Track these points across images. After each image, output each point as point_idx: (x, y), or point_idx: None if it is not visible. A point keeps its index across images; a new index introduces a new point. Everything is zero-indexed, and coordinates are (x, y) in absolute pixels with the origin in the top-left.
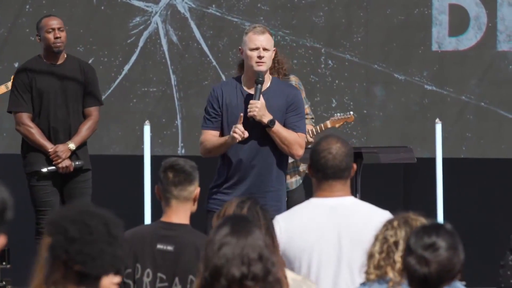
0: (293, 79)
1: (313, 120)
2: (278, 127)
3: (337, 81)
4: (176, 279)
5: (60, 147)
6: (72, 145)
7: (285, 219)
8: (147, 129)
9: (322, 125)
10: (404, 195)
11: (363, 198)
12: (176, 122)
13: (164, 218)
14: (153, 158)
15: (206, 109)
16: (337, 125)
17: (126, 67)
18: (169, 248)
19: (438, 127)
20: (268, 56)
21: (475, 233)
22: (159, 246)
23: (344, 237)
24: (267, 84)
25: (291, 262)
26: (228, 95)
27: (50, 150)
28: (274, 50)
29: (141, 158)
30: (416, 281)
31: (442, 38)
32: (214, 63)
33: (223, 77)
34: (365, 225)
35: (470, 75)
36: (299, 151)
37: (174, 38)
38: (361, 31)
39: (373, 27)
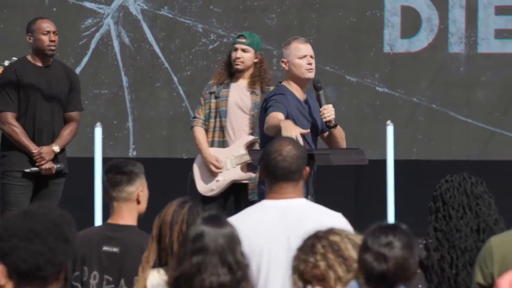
0: None
1: None
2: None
3: None
4: (122, 281)
5: (45, 149)
6: (56, 148)
7: (236, 221)
8: (98, 131)
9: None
10: (355, 196)
11: (315, 200)
12: (128, 124)
13: (110, 220)
14: (104, 160)
15: (278, 99)
16: None
17: (78, 69)
18: (115, 250)
19: (390, 129)
20: (314, 64)
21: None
22: (105, 248)
23: (294, 239)
24: (306, 93)
25: None
26: (292, 102)
27: (34, 151)
28: (259, 58)
29: (92, 160)
30: (373, 279)
31: (394, 40)
32: (166, 64)
33: (175, 79)
34: (316, 227)
35: (421, 77)
36: (345, 144)
37: (126, 40)
38: (313, 33)
39: (325, 29)
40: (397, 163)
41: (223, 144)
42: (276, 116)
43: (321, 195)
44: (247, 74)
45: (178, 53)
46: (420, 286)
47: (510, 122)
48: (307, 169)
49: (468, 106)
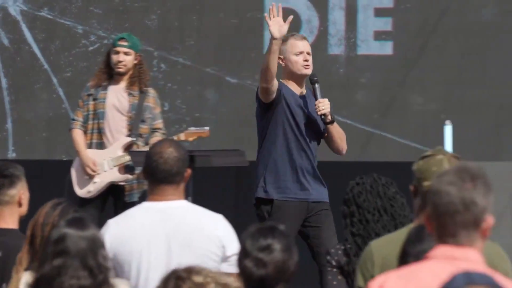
0: (152, 92)
1: (165, 135)
2: (335, 123)
3: (169, 85)
4: (4, 285)
5: None
6: None
7: (116, 223)
8: None
9: (175, 137)
10: (236, 198)
11: (195, 201)
12: (7, 125)
13: None
14: None
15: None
16: (190, 139)
17: None
18: None
19: None
20: (311, 61)
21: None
22: None
23: (174, 241)
24: (305, 88)
25: (121, 265)
26: (287, 92)
27: None
28: (138, 59)
29: None
30: (252, 284)
31: None
32: (46, 66)
33: (55, 81)
34: (196, 229)
35: None
36: (346, 146)
37: (6, 41)
38: (194, 34)
39: (205, 30)
40: None
41: (101, 146)
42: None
43: (201, 196)
44: (126, 75)
45: (58, 55)
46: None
47: (389, 123)
48: (189, 171)
49: (348, 107)
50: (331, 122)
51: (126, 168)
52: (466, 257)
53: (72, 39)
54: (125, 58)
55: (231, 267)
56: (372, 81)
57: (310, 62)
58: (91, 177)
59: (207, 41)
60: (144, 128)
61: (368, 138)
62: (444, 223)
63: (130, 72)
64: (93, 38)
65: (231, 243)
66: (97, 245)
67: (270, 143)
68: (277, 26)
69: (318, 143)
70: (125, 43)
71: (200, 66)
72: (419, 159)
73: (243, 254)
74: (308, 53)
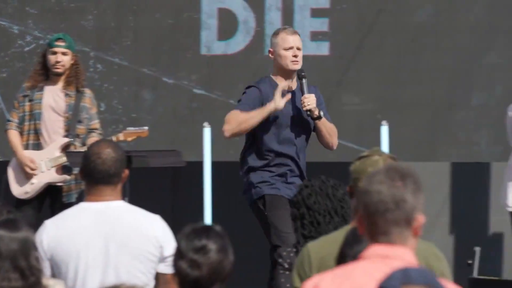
0: (88, 92)
1: (102, 135)
2: (324, 118)
3: (106, 85)
4: None
5: None
6: None
7: (53, 223)
8: None
9: (114, 137)
10: (172, 198)
11: (132, 202)
12: None
13: None
14: None
15: (247, 98)
16: (129, 139)
17: None
18: None
19: (207, 131)
20: (301, 56)
21: (243, 235)
22: None
23: (112, 241)
24: (295, 83)
25: (58, 266)
26: (267, 95)
27: None
28: (74, 59)
29: None
30: (187, 285)
31: (211, 42)
32: None
33: None
34: (133, 230)
35: (238, 79)
36: (337, 141)
37: None
38: (130, 34)
39: (142, 31)
40: (214, 164)
41: (38, 146)
42: (242, 114)
43: (138, 197)
44: (63, 76)
45: None
46: None
47: None
48: (126, 171)
49: None
50: (318, 117)
51: (64, 169)
52: (399, 256)
53: (8, 40)
54: (63, 59)
55: (168, 268)
56: (309, 81)
57: (300, 58)
58: (28, 177)
59: (144, 41)
60: (81, 128)
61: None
62: (376, 221)
63: (67, 73)
64: (29, 38)
65: (168, 244)
66: (29, 247)
67: (251, 145)
68: (285, 100)
69: (307, 138)
70: (62, 43)
71: (136, 66)
72: (356, 160)
73: (178, 255)
74: (298, 48)
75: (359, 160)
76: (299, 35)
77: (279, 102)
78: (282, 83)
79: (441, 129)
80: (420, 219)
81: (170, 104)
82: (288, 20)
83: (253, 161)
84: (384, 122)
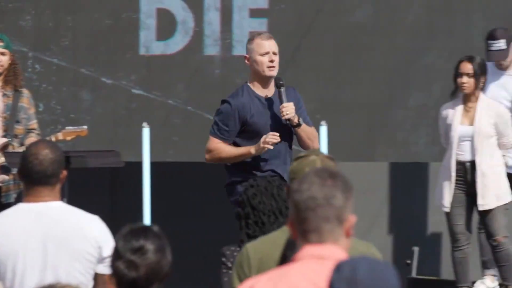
0: (26, 92)
1: (40, 136)
2: (304, 124)
3: (44, 85)
4: None
5: None
6: None
7: None
8: None
9: (53, 137)
10: (111, 199)
11: (71, 202)
12: None
13: None
14: None
15: (223, 120)
16: (68, 138)
17: None
18: None
19: (146, 131)
20: (277, 61)
21: (183, 235)
22: None
23: (50, 241)
24: (273, 89)
25: None
26: (249, 107)
27: None
28: (12, 59)
29: None
30: (124, 285)
31: (149, 42)
32: None
33: None
34: (72, 230)
35: (177, 79)
36: (318, 144)
37: None
38: (69, 35)
39: (80, 31)
40: (153, 165)
41: None
42: (225, 148)
43: (77, 197)
44: (1, 76)
45: None
46: None
47: None
48: (65, 172)
49: None
50: (298, 125)
51: (2, 169)
52: (333, 256)
53: None
54: (1, 59)
55: (107, 268)
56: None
57: (276, 63)
58: None
59: (82, 41)
60: (19, 128)
61: None
62: (307, 218)
63: (5, 72)
64: None
65: (107, 244)
66: None
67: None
68: (271, 143)
69: (290, 144)
70: (1, 44)
71: (75, 66)
72: (294, 160)
73: (116, 256)
74: (274, 53)
75: (297, 161)
76: (274, 39)
77: (261, 149)
78: (268, 138)
79: (379, 129)
80: (352, 219)
81: (108, 105)
82: (227, 20)
83: (237, 173)
84: (323, 123)
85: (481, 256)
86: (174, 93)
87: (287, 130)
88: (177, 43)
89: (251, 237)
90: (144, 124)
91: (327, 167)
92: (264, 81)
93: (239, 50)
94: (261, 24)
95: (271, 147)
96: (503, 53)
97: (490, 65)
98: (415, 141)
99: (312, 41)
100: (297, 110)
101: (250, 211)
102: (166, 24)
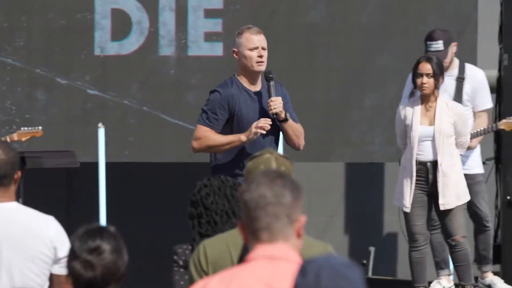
0: None
1: None
2: (290, 120)
3: None
4: None
5: None
6: None
7: None
8: None
9: (8, 137)
10: (67, 199)
11: (26, 203)
12: None
13: None
14: None
15: (212, 109)
16: (23, 139)
17: None
18: None
19: (101, 132)
20: (266, 56)
21: (138, 235)
22: None
23: (5, 242)
24: (260, 83)
25: None
26: (237, 98)
27: None
28: None
29: None
30: (81, 285)
31: (105, 43)
32: None
33: None
34: (27, 231)
35: (132, 80)
36: (303, 141)
37: None
38: (23, 35)
39: (35, 31)
40: (108, 165)
41: None
42: (213, 136)
43: (32, 198)
44: None
45: None
46: None
47: None
48: (19, 173)
49: (178, 109)
50: (285, 120)
51: None
52: (284, 256)
53: None
54: None
55: (63, 269)
56: (203, 82)
57: (265, 58)
58: None
59: (37, 42)
60: None
61: None
62: (257, 216)
63: None
64: None
65: (62, 245)
66: None
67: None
68: (265, 128)
69: (277, 140)
70: None
71: (30, 67)
72: (249, 160)
73: (72, 256)
74: (263, 48)
75: (252, 160)
76: (263, 34)
77: (252, 134)
78: (260, 123)
79: (335, 129)
80: (302, 220)
81: (64, 105)
82: (182, 21)
83: (223, 168)
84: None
85: (434, 257)
86: (130, 93)
87: (274, 126)
88: (132, 43)
89: (203, 236)
90: (100, 124)
91: (276, 169)
92: (252, 76)
93: (194, 50)
94: (216, 25)
95: (264, 132)
96: (441, 53)
97: None
98: (370, 142)
99: (267, 41)
100: (284, 106)
101: (203, 211)
102: (121, 25)
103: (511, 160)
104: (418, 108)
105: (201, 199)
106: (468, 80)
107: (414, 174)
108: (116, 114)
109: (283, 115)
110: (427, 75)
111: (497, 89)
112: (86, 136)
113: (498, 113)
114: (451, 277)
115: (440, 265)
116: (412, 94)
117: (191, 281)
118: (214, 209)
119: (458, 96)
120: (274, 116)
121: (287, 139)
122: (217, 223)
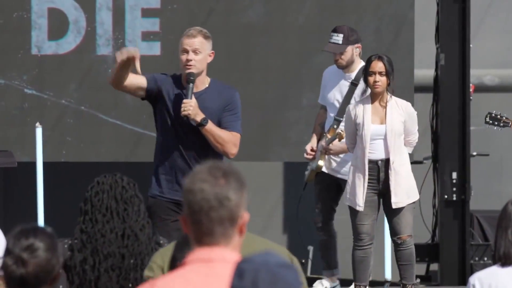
0: None
1: None
2: (211, 126)
3: None
4: None
5: None
6: None
7: None
8: None
9: None
10: (4, 199)
11: None
12: None
13: None
14: None
15: (152, 75)
16: None
17: None
18: None
19: (39, 131)
20: (199, 59)
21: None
22: None
23: None
24: (205, 84)
25: None
26: (171, 88)
27: None
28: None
29: None
30: (13, 282)
31: (41, 42)
32: None
33: None
34: None
35: (70, 79)
36: (233, 150)
37: None
38: None
39: None
40: (46, 165)
41: None
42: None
43: None
44: None
45: None
46: (61, 286)
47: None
48: None
49: (117, 108)
50: (200, 124)
51: None
52: (221, 258)
53: None
54: None
55: None
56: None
57: (195, 61)
58: None
59: None
60: None
61: (138, 138)
62: (200, 220)
63: None
64: None
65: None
66: None
67: (157, 142)
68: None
69: (204, 142)
70: None
71: None
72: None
73: (5, 253)
74: (194, 51)
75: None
76: (205, 36)
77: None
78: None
79: (273, 129)
80: (246, 216)
81: (1, 105)
82: (119, 20)
83: (157, 163)
84: None
85: (321, 257)
86: (67, 93)
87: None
88: (70, 42)
89: (83, 232)
90: (37, 124)
91: (220, 164)
92: (186, 76)
93: None
94: (153, 24)
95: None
96: (337, 47)
97: (334, 67)
98: (308, 141)
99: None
100: (222, 112)
101: (90, 208)
102: (58, 24)
103: (448, 160)
104: (369, 107)
105: (90, 197)
106: (360, 87)
107: (367, 172)
108: (54, 113)
109: (198, 119)
110: (380, 73)
111: (434, 89)
112: (24, 135)
113: (435, 112)
114: (336, 277)
115: (325, 266)
116: (364, 92)
117: (145, 273)
118: (98, 208)
119: (347, 98)
120: (185, 118)
121: (211, 145)
122: (98, 221)
